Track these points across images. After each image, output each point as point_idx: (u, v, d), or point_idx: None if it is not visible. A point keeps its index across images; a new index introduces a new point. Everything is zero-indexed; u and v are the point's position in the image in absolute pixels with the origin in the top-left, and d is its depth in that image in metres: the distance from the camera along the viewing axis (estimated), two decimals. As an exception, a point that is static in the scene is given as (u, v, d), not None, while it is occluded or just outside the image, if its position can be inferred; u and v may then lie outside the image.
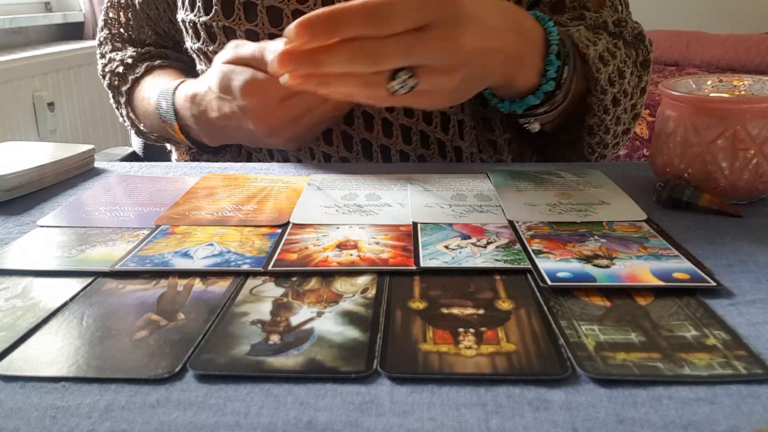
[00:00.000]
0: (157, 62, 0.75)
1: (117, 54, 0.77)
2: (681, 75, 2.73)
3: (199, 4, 0.62)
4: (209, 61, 0.65)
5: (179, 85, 0.65)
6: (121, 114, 0.78)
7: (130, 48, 0.77)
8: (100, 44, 0.81)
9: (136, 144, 0.97)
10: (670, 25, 3.17)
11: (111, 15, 0.79)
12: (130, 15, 0.77)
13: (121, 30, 0.79)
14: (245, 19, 0.60)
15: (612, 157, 0.70)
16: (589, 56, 0.57)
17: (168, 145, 0.80)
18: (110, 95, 0.78)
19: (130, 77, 0.74)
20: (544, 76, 0.55)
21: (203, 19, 0.62)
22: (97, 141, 2.25)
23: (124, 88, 0.74)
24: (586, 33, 0.60)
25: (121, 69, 0.75)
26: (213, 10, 0.61)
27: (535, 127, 0.60)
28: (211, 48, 0.64)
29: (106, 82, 0.78)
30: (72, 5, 2.46)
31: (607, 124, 0.62)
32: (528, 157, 0.74)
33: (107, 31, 0.80)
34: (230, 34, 0.62)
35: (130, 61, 0.75)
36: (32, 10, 2.33)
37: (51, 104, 2.02)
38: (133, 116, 0.76)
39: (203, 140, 0.64)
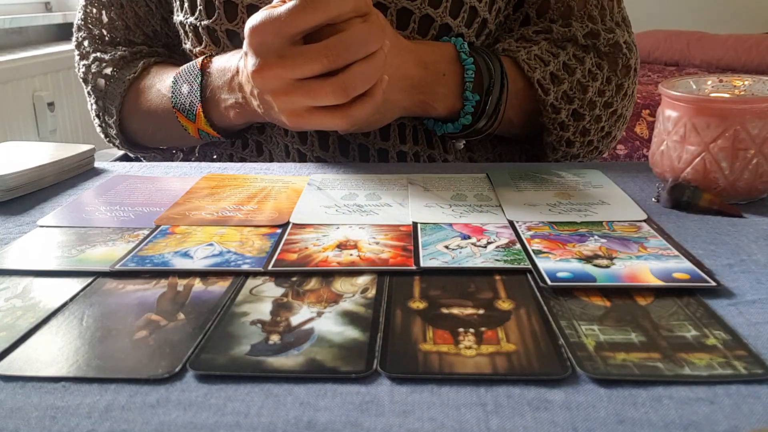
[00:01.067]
0: (154, 59, 0.69)
1: (103, 55, 0.70)
2: (681, 75, 2.73)
3: (200, 7, 0.61)
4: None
5: (205, 60, 0.61)
6: (104, 123, 0.71)
7: (120, 47, 0.71)
8: (79, 45, 0.72)
9: None
10: (670, 25, 3.17)
11: (91, 13, 0.71)
12: (114, 14, 0.70)
13: (104, 31, 0.71)
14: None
15: (612, 157, 0.70)
16: (534, 79, 0.61)
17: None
18: (92, 101, 0.71)
19: (127, 78, 0.67)
20: (462, 109, 0.60)
21: (205, 22, 0.62)
22: (97, 141, 2.24)
23: (119, 91, 0.67)
24: (540, 52, 0.63)
25: (110, 70, 0.69)
26: (216, 14, 0.61)
27: (459, 145, 0.66)
28: (214, 53, 0.63)
29: (89, 87, 0.71)
30: (72, 5, 2.46)
31: (569, 138, 0.66)
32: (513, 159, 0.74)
33: (86, 31, 0.72)
34: (234, 38, 0.61)
35: (121, 61, 0.69)
36: (32, 10, 2.33)
37: (51, 104, 2.02)
38: (128, 123, 0.70)
39: (231, 116, 0.60)
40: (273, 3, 0.50)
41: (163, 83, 0.65)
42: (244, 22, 0.59)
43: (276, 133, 0.64)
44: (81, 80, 0.72)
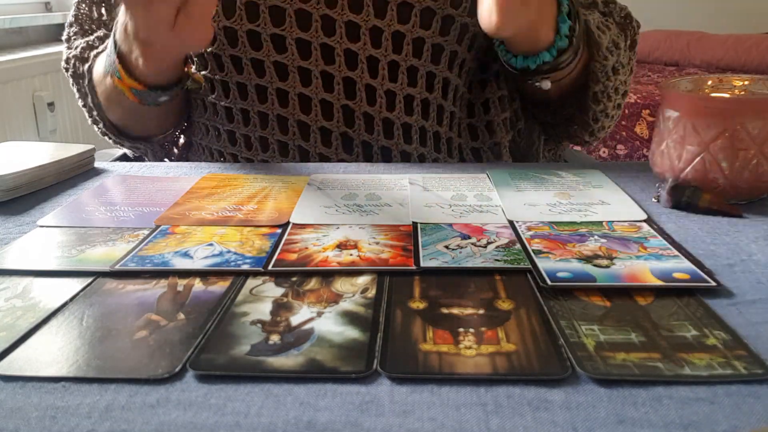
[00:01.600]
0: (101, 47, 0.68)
1: (83, 41, 0.70)
2: (681, 75, 2.74)
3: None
4: (204, 66, 0.65)
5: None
6: (87, 105, 0.70)
7: (101, 31, 0.71)
8: (69, 39, 0.73)
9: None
10: (670, 25, 3.17)
11: (83, 10, 0.73)
12: (103, 10, 0.72)
13: (93, 26, 0.72)
14: (246, 19, 0.60)
15: (612, 157, 0.70)
16: (591, 23, 0.60)
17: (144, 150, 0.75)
18: (74, 87, 0.71)
19: (92, 54, 0.67)
20: (557, 33, 0.58)
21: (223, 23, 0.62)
22: (97, 141, 2.24)
23: (85, 67, 0.67)
24: (580, 6, 0.62)
25: (79, 51, 0.69)
26: (214, 11, 0.61)
27: (547, 84, 0.62)
28: (208, 49, 0.63)
29: (69, 72, 0.70)
30: (72, 5, 2.46)
31: (609, 92, 0.65)
32: (533, 138, 0.74)
33: (78, 27, 0.73)
34: (231, 36, 0.61)
35: (95, 42, 0.69)
36: (32, 10, 2.33)
37: (51, 104, 2.02)
38: (97, 100, 0.69)
39: (138, 65, 0.59)
40: None
41: (102, 60, 0.65)
42: (242, 20, 0.59)
43: (277, 131, 0.64)
44: (63, 70, 0.71)
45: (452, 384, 0.27)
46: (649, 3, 3.18)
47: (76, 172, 0.59)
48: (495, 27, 0.53)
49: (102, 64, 0.65)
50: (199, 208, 0.48)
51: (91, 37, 0.70)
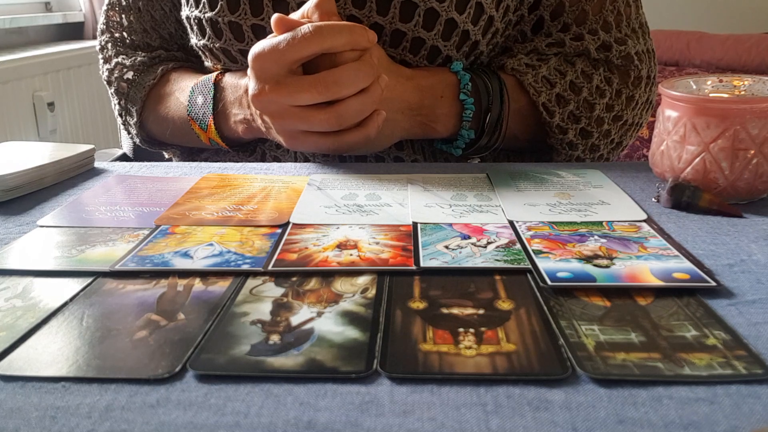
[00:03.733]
0: (171, 65, 0.72)
1: (125, 59, 0.74)
2: (681, 75, 2.74)
3: (203, 0, 0.62)
4: (215, 57, 0.65)
5: (219, 76, 0.64)
6: (126, 122, 0.75)
7: (140, 52, 0.74)
8: (103, 48, 0.77)
9: (126, 146, 0.96)
10: (670, 25, 3.17)
11: (113, 17, 0.76)
12: (132, 18, 0.74)
13: (124, 34, 0.75)
14: (251, 13, 0.61)
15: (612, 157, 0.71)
16: (539, 103, 0.63)
17: (165, 153, 0.79)
18: (116, 101, 0.75)
19: (147, 83, 0.71)
20: (460, 137, 0.63)
21: (208, 14, 0.62)
22: (97, 141, 2.25)
23: (139, 95, 0.71)
24: (548, 72, 0.63)
25: (131, 75, 0.73)
26: (218, 6, 0.61)
27: (475, 161, 0.67)
28: (217, 45, 0.64)
29: (113, 89, 0.75)
30: (72, 5, 2.46)
31: (578, 155, 0.67)
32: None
33: (109, 35, 0.76)
34: (236, 29, 0.62)
35: (141, 66, 0.73)
36: (32, 10, 2.33)
37: (51, 104, 2.02)
38: (147, 124, 0.73)
39: (240, 131, 0.63)
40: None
41: (181, 92, 0.68)
42: (246, 14, 0.60)
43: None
44: (105, 82, 0.76)
45: (452, 384, 0.27)
46: (649, 3, 3.17)
47: (76, 172, 0.59)
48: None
49: (180, 98, 0.68)
50: (199, 208, 0.48)
51: (136, 59, 0.73)
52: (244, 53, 0.62)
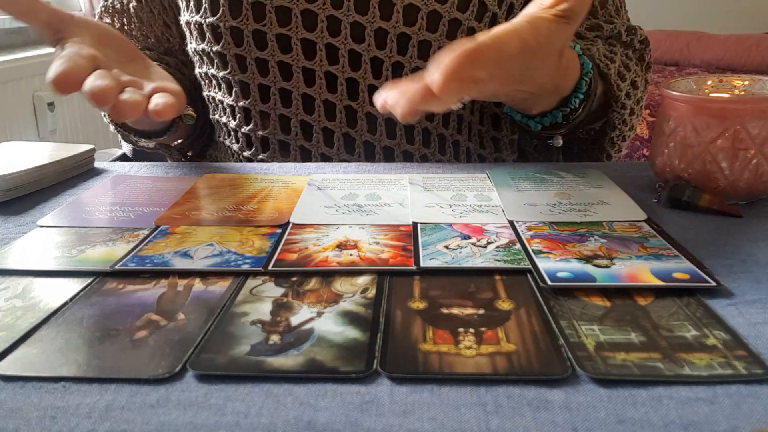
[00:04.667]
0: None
1: None
2: (681, 75, 2.73)
3: (205, 5, 0.62)
4: (211, 63, 0.65)
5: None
6: (115, 123, 0.73)
7: None
8: None
9: (126, 146, 0.96)
10: (670, 25, 3.17)
11: (106, 21, 0.75)
12: (125, 20, 0.74)
13: None
14: (253, 19, 0.60)
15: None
16: (611, 76, 0.61)
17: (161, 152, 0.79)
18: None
19: None
20: (572, 96, 0.57)
21: (210, 19, 0.62)
22: (97, 141, 2.25)
23: None
24: (604, 49, 0.63)
25: None
26: (220, 11, 0.61)
27: (559, 142, 0.63)
28: (215, 49, 0.63)
29: None
30: (72, 5, 2.46)
31: (625, 133, 0.67)
32: (532, 156, 0.74)
33: None
34: (237, 35, 0.61)
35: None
36: (32, 10, 2.32)
37: (51, 104, 2.02)
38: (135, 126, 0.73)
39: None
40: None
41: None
42: (248, 19, 0.59)
43: (278, 130, 0.64)
44: None
45: (452, 384, 0.27)
46: (649, 3, 3.18)
47: (76, 172, 0.59)
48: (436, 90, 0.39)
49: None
50: (199, 208, 0.48)
51: None
52: (240, 58, 0.62)
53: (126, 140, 0.75)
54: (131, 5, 0.73)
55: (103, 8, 0.75)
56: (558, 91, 0.56)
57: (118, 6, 0.74)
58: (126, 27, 0.74)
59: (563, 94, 0.56)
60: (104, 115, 0.74)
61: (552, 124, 0.59)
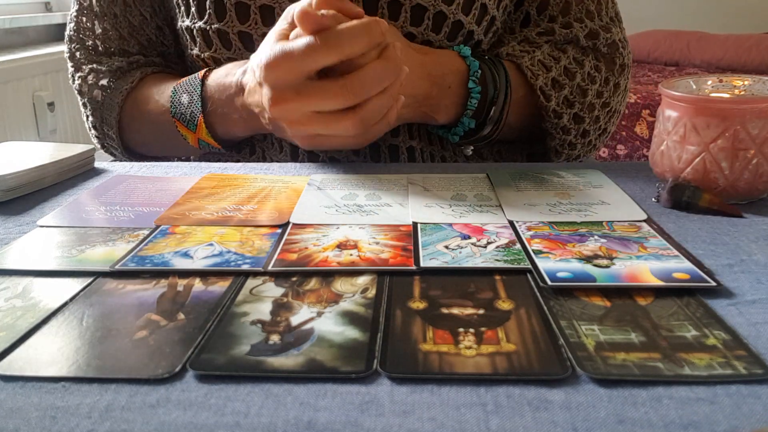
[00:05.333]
0: (150, 70, 0.69)
1: (99, 66, 0.69)
2: (681, 75, 2.73)
3: (210, 10, 0.61)
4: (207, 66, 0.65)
5: (206, 73, 0.62)
6: (103, 133, 0.70)
7: (116, 58, 0.70)
8: (72, 56, 0.71)
9: None
10: (670, 25, 3.17)
11: (83, 23, 0.70)
12: (107, 25, 0.69)
13: (97, 42, 0.70)
14: (237, 21, 0.60)
15: (612, 158, 0.71)
16: (537, 86, 0.63)
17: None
18: (88, 113, 0.70)
19: (125, 87, 0.67)
20: (461, 125, 0.62)
21: (198, 24, 0.62)
22: (97, 141, 2.24)
23: (116, 101, 0.67)
24: (543, 57, 0.64)
25: (106, 81, 0.68)
26: (206, 14, 0.61)
27: (468, 152, 0.67)
28: (206, 54, 0.63)
29: (86, 98, 0.69)
30: (72, 5, 2.46)
31: (571, 140, 0.67)
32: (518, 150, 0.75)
33: (79, 43, 0.71)
34: (224, 38, 0.61)
35: (118, 71, 0.68)
36: (32, 10, 2.33)
37: (51, 104, 2.02)
38: (126, 134, 0.70)
39: (235, 130, 0.61)
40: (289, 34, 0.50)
41: (161, 93, 0.65)
42: (257, 24, 0.59)
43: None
44: (76, 92, 0.71)
45: (452, 384, 0.27)
46: (649, 3, 3.18)
47: (76, 172, 0.59)
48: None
49: (160, 101, 0.65)
50: (199, 208, 0.48)
51: (113, 64, 0.69)
52: (234, 62, 0.62)
53: (124, 155, 0.73)
54: (116, 9, 0.69)
55: (78, 11, 0.71)
56: (428, 119, 0.61)
57: (98, 9, 0.70)
58: (111, 31, 0.70)
59: (443, 120, 0.62)
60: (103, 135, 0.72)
61: (476, 135, 0.63)
